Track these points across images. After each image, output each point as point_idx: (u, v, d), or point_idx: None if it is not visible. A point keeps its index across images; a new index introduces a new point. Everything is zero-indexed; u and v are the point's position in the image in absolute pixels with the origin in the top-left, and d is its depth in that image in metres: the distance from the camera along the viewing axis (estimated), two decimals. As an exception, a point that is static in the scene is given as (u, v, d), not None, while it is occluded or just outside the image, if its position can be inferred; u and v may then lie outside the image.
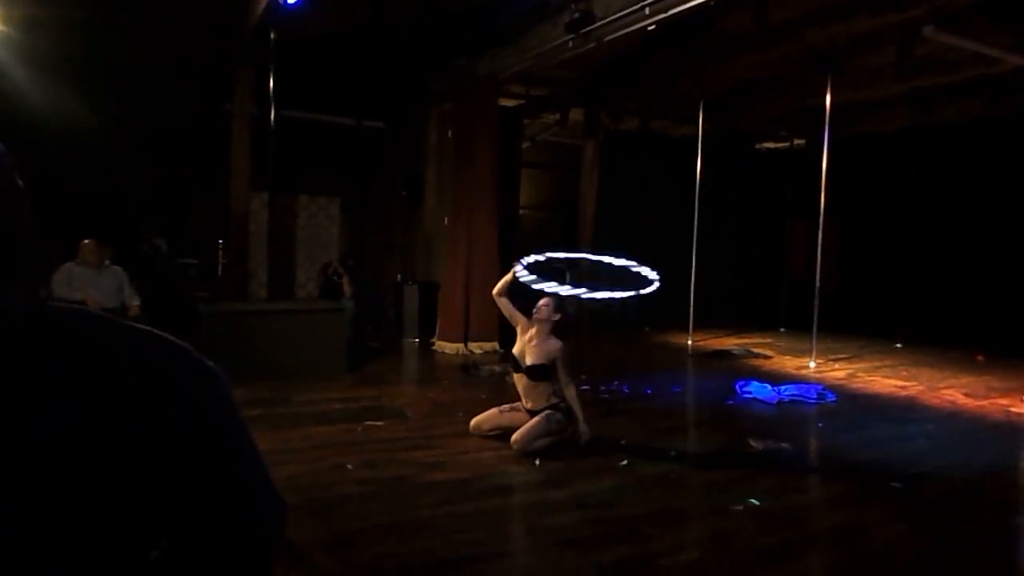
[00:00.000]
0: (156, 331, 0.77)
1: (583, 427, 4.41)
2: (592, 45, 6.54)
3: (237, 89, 8.21)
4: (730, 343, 9.29)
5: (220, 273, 9.44)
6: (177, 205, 10.06)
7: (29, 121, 7.61)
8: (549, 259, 4.84)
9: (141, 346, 0.75)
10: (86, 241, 6.10)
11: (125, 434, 0.69)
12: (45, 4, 6.65)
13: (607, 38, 6.37)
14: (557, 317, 4.50)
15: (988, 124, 9.37)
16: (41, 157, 7.52)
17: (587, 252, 4.58)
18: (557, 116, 10.74)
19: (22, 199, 0.73)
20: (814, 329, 7.93)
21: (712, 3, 5.54)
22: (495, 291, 4.66)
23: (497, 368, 7.11)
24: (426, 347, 8.60)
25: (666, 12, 5.70)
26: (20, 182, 0.74)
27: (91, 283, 6.02)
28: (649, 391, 6.38)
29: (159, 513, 0.71)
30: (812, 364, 7.79)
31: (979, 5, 6.09)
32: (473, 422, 4.74)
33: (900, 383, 6.98)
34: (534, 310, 4.53)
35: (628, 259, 4.88)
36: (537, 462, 4.21)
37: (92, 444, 0.67)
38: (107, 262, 6.21)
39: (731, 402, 6.06)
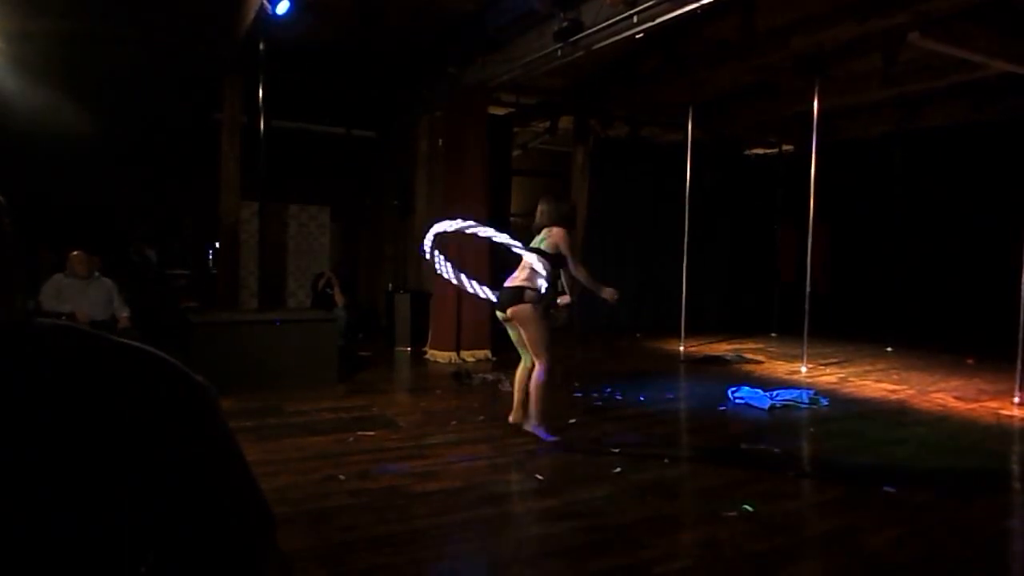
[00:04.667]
0: (143, 347, 0.77)
1: (608, 291, 4.75)
2: (581, 53, 6.57)
3: (226, 98, 8.21)
4: (722, 348, 9.31)
5: (211, 282, 9.40)
6: (167, 215, 10.04)
7: (18, 133, 7.58)
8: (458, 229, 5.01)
9: (128, 362, 0.75)
10: (75, 252, 6.07)
11: (113, 448, 0.69)
12: (36, 16, 6.64)
13: (595, 46, 6.40)
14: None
15: (974, 128, 9.46)
16: (30, 168, 7.50)
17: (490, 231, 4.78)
18: (547, 124, 10.79)
19: (3, 213, 0.73)
20: (805, 334, 7.95)
21: (699, 11, 5.57)
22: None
23: (490, 376, 7.10)
24: (418, 356, 8.58)
25: (653, 21, 5.73)
26: (0, 197, 0.73)
27: (80, 294, 5.98)
28: (642, 398, 6.38)
29: (148, 525, 0.71)
30: (804, 369, 7.81)
31: (963, 12, 6.16)
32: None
33: (891, 387, 7.01)
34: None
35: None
36: (539, 476, 4.21)
37: (82, 455, 0.68)
38: (96, 273, 6.18)
39: (724, 408, 6.07)
